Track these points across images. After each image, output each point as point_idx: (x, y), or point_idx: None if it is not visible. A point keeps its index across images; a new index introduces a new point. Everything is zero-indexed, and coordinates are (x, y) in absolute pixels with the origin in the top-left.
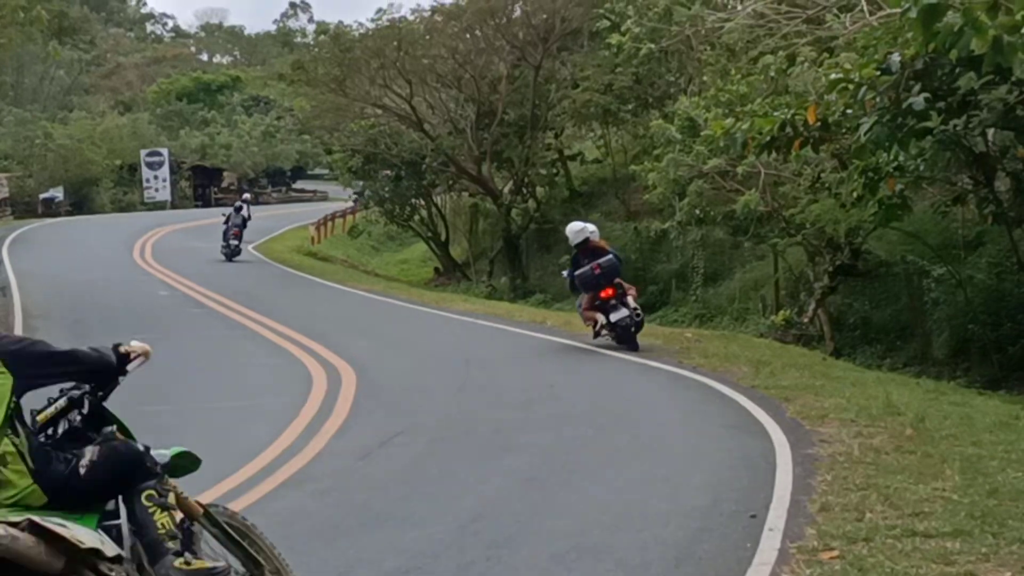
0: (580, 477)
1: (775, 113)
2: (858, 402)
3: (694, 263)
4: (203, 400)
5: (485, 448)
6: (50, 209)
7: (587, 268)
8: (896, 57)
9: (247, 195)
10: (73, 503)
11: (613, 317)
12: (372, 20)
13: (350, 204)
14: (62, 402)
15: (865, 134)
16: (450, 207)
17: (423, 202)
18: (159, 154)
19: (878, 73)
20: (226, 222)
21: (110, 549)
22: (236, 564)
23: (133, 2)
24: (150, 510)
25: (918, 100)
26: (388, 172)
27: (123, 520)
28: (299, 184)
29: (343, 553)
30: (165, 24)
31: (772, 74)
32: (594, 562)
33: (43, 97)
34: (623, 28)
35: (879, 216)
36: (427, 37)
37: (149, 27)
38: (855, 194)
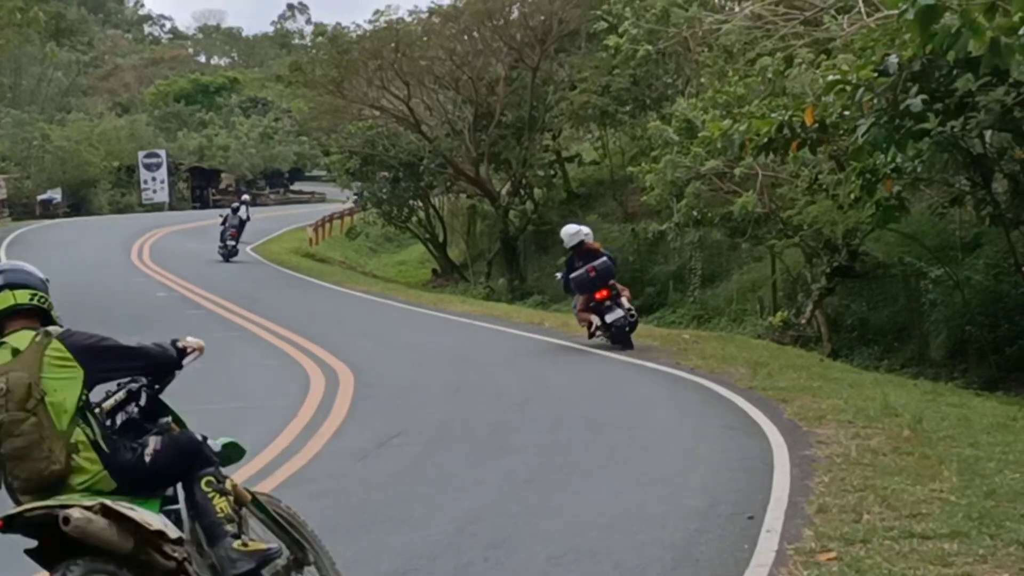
0: (577, 478)
1: (773, 115)
2: (856, 403)
3: (692, 264)
4: (200, 401)
5: (482, 449)
6: (48, 210)
7: (582, 271)
8: (894, 59)
9: (246, 196)
10: (138, 489)
11: (608, 318)
12: (370, 22)
13: (349, 205)
14: (121, 394)
15: (863, 135)
16: (448, 209)
17: (421, 203)
18: (157, 155)
19: (876, 75)
20: (223, 223)
21: (173, 531)
22: (282, 548)
23: (131, 4)
24: (209, 495)
25: (915, 102)
26: (386, 174)
27: (182, 505)
28: (297, 185)
29: (340, 554)
30: (163, 26)
31: (770, 76)
32: (591, 564)
33: (41, 98)
34: (620, 30)
35: (877, 217)
36: (425, 39)
37: (147, 29)
38: (853, 195)
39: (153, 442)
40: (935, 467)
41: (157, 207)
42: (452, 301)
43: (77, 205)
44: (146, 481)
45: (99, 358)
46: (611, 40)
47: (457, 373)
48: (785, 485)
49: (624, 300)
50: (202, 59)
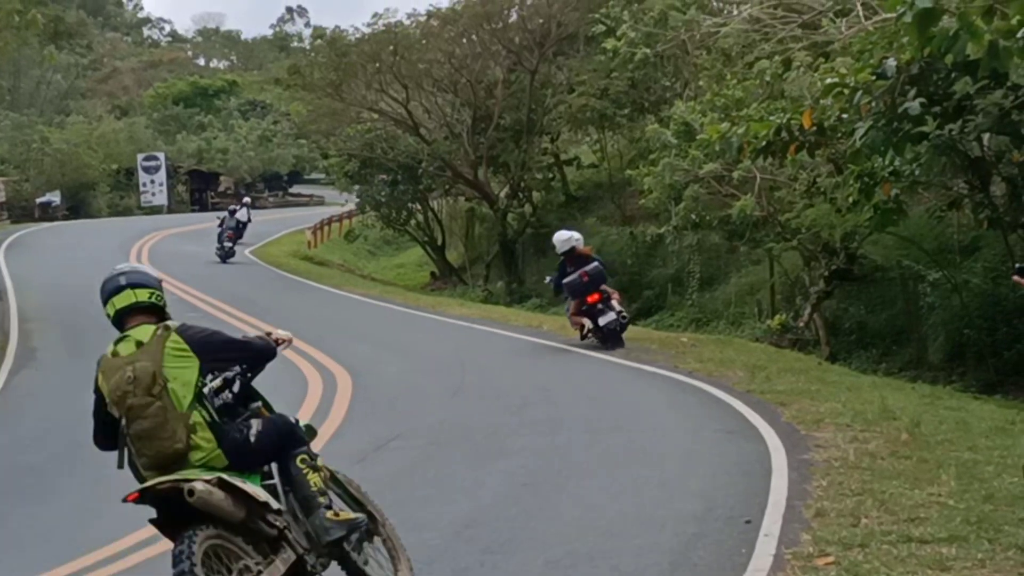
0: (575, 482)
1: (771, 118)
2: (854, 407)
3: (690, 268)
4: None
5: (480, 452)
6: (47, 213)
7: (575, 276)
8: (892, 62)
9: (247, 199)
10: (243, 465)
11: (601, 321)
12: (368, 25)
13: (348, 208)
14: (217, 382)
15: (861, 139)
16: (446, 211)
17: (419, 206)
18: (156, 158)
19: (874, 78)
20: (220, 224)
21: (274, 503)
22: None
23: (130, 7)
24: (304, 471)
25: (914, 105)
26: (384, 176)
27: (277, 480)
28: (295, 188)
29: None
30: (162, 28)
31: (768, 79)
32: (589, 568)
33: (40, 101)
34: (619, 33)
35: (875, 221)
36: (423, 42)
37: (146, 31)
38: (851, 199)
39: (256, 424)
40: (933, 471)
41: (156, 210)
42: (450, 304)
43: (76, 208)
44: (250, 458)
45: (212, 350)
46: (609, 43)
47: (455, 376)
48: (783, 489)
49: (615, 303)
50: (201, 62)
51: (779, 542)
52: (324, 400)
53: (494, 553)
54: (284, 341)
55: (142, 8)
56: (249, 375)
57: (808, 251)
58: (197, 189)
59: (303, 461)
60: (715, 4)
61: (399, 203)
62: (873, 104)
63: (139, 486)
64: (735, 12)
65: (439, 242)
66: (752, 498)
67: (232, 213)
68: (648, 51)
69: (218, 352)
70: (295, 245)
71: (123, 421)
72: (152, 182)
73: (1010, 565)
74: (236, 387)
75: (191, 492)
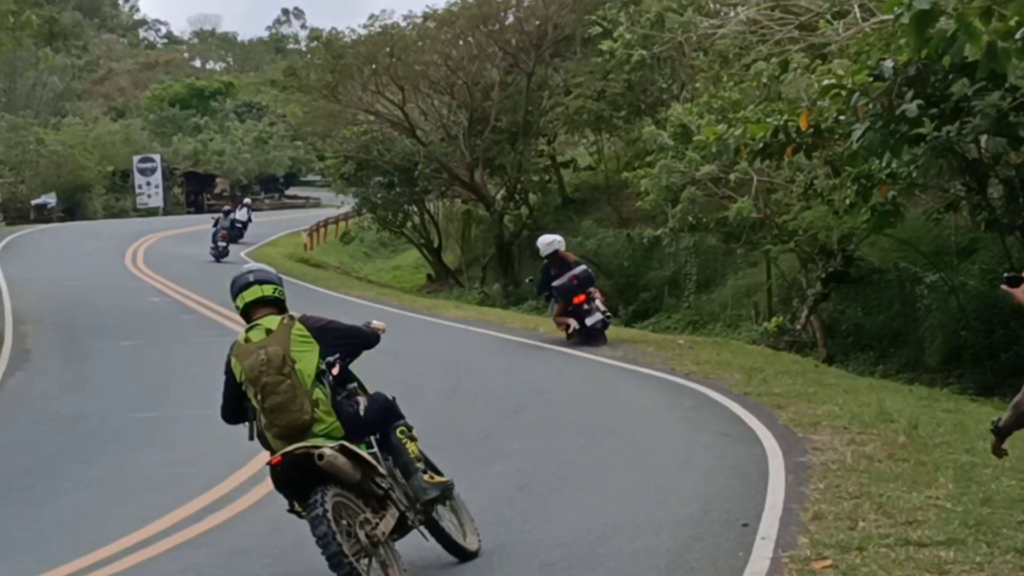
0: (571, 485)
1: (768, 119)
2: (851, 409)
3: (687, 270)
4: (193, 406)
5: (475, 455)
6: (42, 215)
7: (566, 279)
8: (889, 63)
9: (247, 200)
10: (354, 436)
11: (588, 321)
12: (364, 26)
13: (344, 210)
14: (322, 365)
15: (858, 140)
16: (443, 214)
17: (416, 208)
18: (152, 160)
19: (871, 79)
20: (215, 225)
21: (381, 467)
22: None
23: (126, 8)
24: (403, 440)
25: (911, 107)
26: (380, 178)
27: (376, 449)
28: (292, 191)
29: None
30: (158, 30)
31: (764, 80)
32: (585, 571)
33: (36, 103)
34: (615, 35)
35: (872, 223)
36: (420, 43)
37: (142, 33)
38: (848, 201)
39: (363, 400)
40: (931, 473)
41: (152, 212)
42: (446, 306)
43: (72, 210)
44: (360, 430)
45: (329, 336)
46: (605, 45)
47: (451, 378)
48: (780, 492)
49: (599, 303)
50: (197, 64)
51: (776, 545)
52: None
53: (489, 556)
54: (382, 331)
55: (138, 9)
56: (347, 360)
57: (805, 253)
58: (193, 191)
59: (402, 432)
60: (712, 6)
61: (395, 205)
62: (870, 106)
63: (274, 452)
64: (732, 14)
65: (435, 244)
66: (749, 501)
67: (227, 214)
68: (645, 53)
69: (334, 338)
70: (291, 247)
71: (258, 396)
72: (148, 184)
73: (1009, 568)
74: (336, 370)
75: (321, 456)
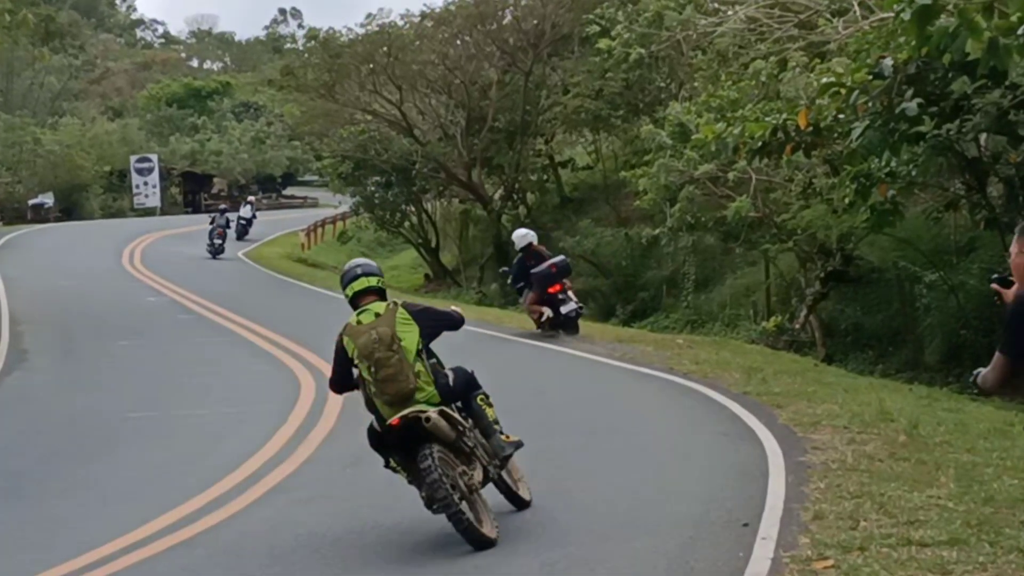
0: (571, 485)
1: (767, 118)
2: (851, 408)
3: (685, 269)
4: (190, 406)
5: None
6: (39, 215)
7: (545, 267)
8: (888, 61)
9: (252, 198)
10: (446, 402)
11: (563, 309)
12: (362, 25)
13: (342, 209)
14: (420, 344)
15: (857, 139)
16: (440, 213)
17: (413, 208)
18: (149, 160)
19: (870, 77)
20: (211, 222)
21: (470, 429)
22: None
23: (123, 8)
24: (483, 407)
25: (911, 105)
26: (378, 178)
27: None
28: (289, 190)
29: (329, 562)
30: (155, 30)
31: (763, 79)
32: (585, 571)
33: (33, 103)
34: (613, 33)
35: (871, 222)
36: (417, 43)
37: (139, 33)
38: (847, 200)
39: (450, 373)
40: (932, 473)
41: (149, 212)
42: (444, 306)
43: (69, 210)
44: (450, 398)
45: (426, 319)
46: (603, 43)
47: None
48: (780, 491)
49: (571, 293)
50: (195, 64)
51: (777, 545)
52: (317, 402)
53: (488, 556)
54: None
55: (135, 9)
56: (429, 339)
57: (804, 252)
58: (190, 191)
59: (482, 400)
60: (711, 5)
61: (393, 205)
62: (870, 104)
63: (384, 420)
64: (730, 12)
65: (433, 244)
66: (749, 501)
67: (222, 212)
68: (643, 51)
69: (430, 321)
70: (289, 247)
71: (371, 369)
72: (145, 184)
73: (1012, 569)
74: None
75: (428, 419)
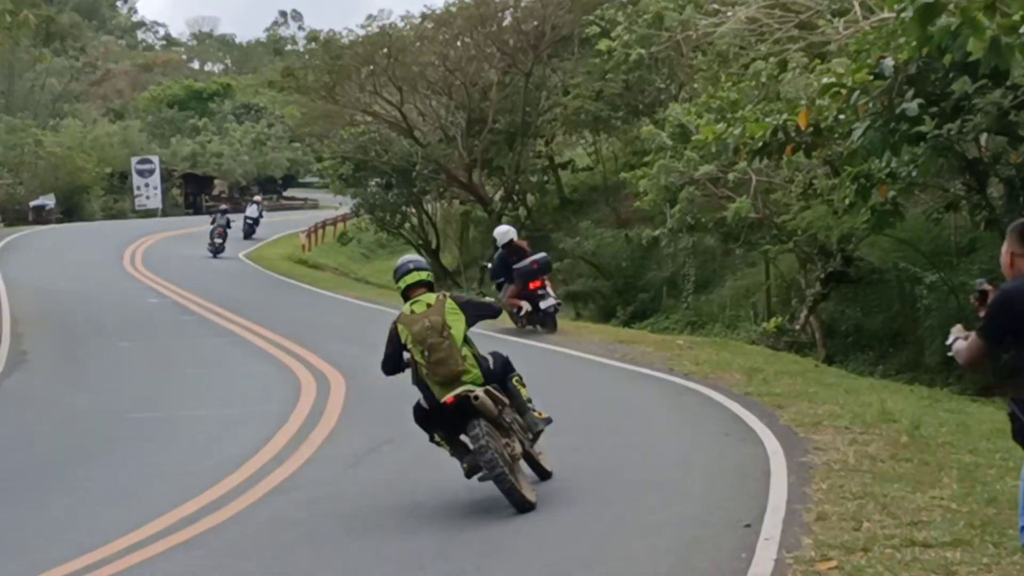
0: (571, 486)
1: (767, 119)
2: (852, 409)
3: (685, 270)
4: (191, 407)
5: None
6: (41, 216)
7: (527, 263)
8: (889, 62)
9: (257, 197)
10: (488, 382)
11: (543, 304)
12: (362, 26)
13: (343, 211)
14: (466, 332)
15: (858, 139)
16: (441, 215)
17: (413, 209)
18: (150, 162)
19: (871, 78)
20: (212, 222)
21: (507, 406)
22: None
23: (124, 11)
24: (518, 387)
25: (911, 106)
26: (379, 179)
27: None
28: (290, 192)
29: (329, 562)
30: (156, 32)
31: (763, 80)
32: (586, 572)
33: (34, 104)
34: (613, 35)
35: (872, 223)
36: (417, 44)
37: (140, 35)
38: (847, 201)
39: (490, 357)
40: (935, 474)
41: (150, 213)
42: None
43: (70, 211)
44: (490, 379)
45: (471, 308)
46: (603, 44)
47: None
48: (783, 492)
49: (550, 290)
50: (196, 66)
51: (780, 546)
52: (318, 403)
53: (488, 558)
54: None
55: (136, 12)
56: (470, 327)
57: (804, 253)
58: (191, 193)
59: (517, 381)
60: (711, 6)
61: (393, 206)
62: (870, 104)
63: (435, 398)
64: (730, 13)
65: (433, 245)
66: (751, 501)
67: (223, 213)
68: (643, 52)
69: (474, 310)
70: (289, 249)
71: (425, 353)
72: (146, 186)
73: (1016, 570)
74: None
75: (476, 397)
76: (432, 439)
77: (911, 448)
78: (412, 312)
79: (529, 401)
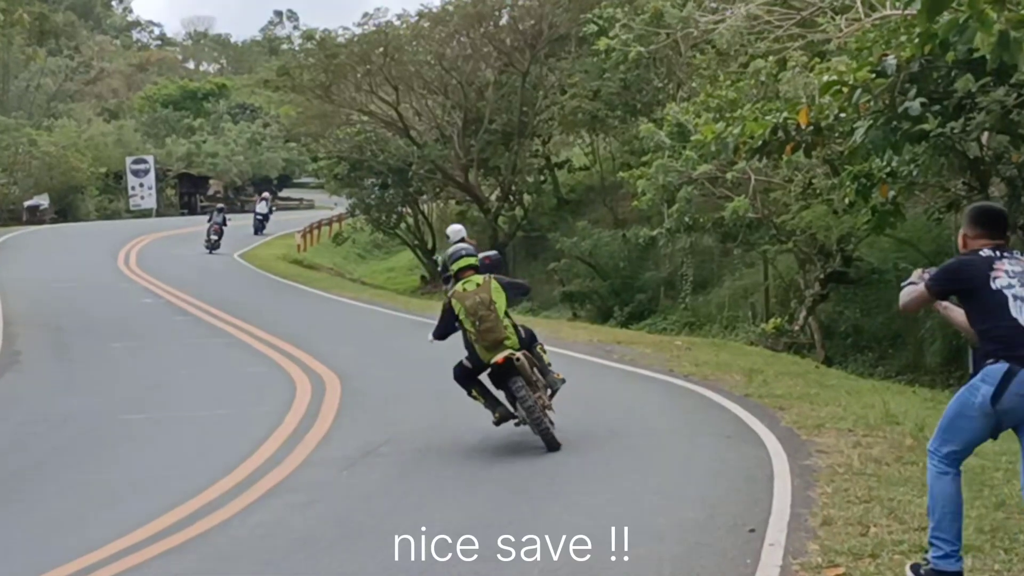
0: (570, 489)
1: (766, 117)
2: (854, 411)
3: (683, 270)
4: (184, 409)
5: (471, 458)
6: (35, 216)
7: (480, 258)
8: (891, 60)
9: (266, 193)
10: (522, 348)
11: None
12: (358, 25)
13: (339, 211)
14: (506, 307)
15: (860, 138)
16: (437, 215)
17: (409, 210)
18: (145, 162)
19: (873, 76)
20: (209, 220)
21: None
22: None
23: (119, 10)
24: (541, 353)
25: (914, 105)
26: (374, 179)
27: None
28: (285, 192)
29: (324, 567)
30: (151, 32)
31: (762, 79)
32: None
33: (28, 104)
34: (611, 34)
35: (872, 223)
36: (413, 43)
37: (135, 35)
38: (847, 200)
39: (521, 328)
40: None
41: (145, 213)
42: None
43: (64, 211)
44: (523, 344)
45: (510, 287)
46: (601, 42)
47: (445, 380)
48: (786, 496)
49: None
50: (191, 65)
51: (785, 552)
52: (312, 404)
53: (487, 563)
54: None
55: (131, 11)
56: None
57: (803, 253)
58: (186, 193)
59: (540, 348)
60: (709, 3)
61: (389, 206)
62: (872, 103)
63: (481, 360)
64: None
65: (429, 246)
66: (755, 505)
67: (219, 211)
68: (642, 49)
69: (513, 289)
70: (285, 248)
71: (476, 323)
72: (141, 186)
73: None
74: None
75: (518, 359)
76: (470, 394)
77: (916, 451)
78: (464, 290)
79: (549, 364)
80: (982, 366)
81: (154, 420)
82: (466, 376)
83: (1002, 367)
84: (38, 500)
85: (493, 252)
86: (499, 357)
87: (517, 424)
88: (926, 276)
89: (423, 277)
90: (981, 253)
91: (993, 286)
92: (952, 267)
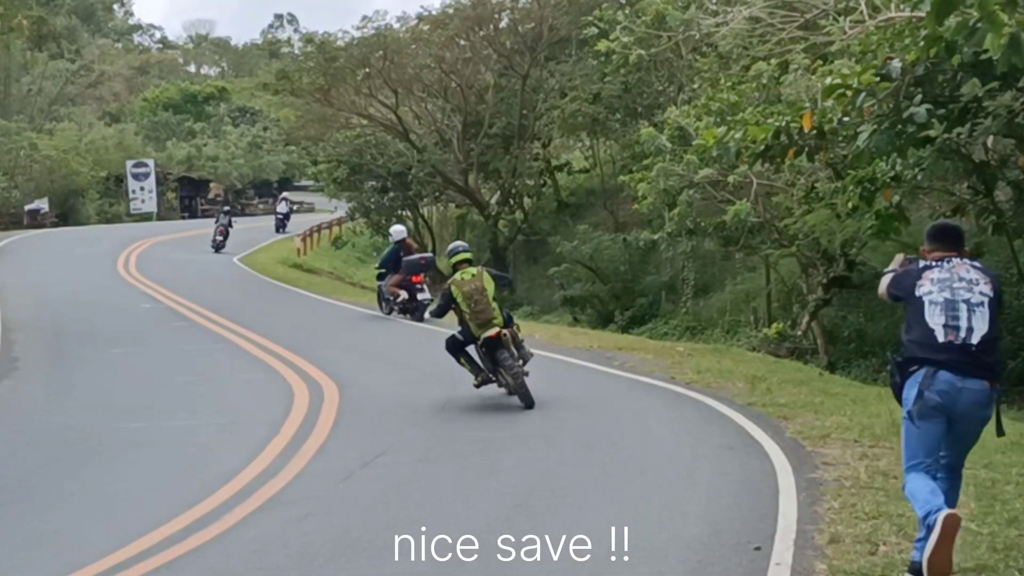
0: (570, 503)
1: (769, 121)
2: (860, 420)
3: (684, 275)
4: (181, 417)
5: (471, 470)
6: (35, 220)
7: (416, 257)
8: (896, 63)
9: (285, 194)
10: (505, 326)
11: (420, 296)
12: (358, 28)
13: (339, 214)
14: (495, 293)
15: (864, 142)
16: (436, 218)
17: (409, 213)
18: (145, 165)
19: (877, 79)
20: (216, 221)
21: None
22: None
23: (120, 14)
24: (517, 329)
25: (920, 111)
26: (374, 183)
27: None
28: (284, 195)
29: None
30: (152, 35)
31: (764, 82)
32: None
33: (29, 108)
34: (612, 36)
35: (876, 227)
36: (413, 46)
37: (136, 38)
38: (850, 204)
39: (504, 310)
40: None
41: (145, 217)
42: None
43: (65, 215)
44: (506, 323)
45: (498, 279)
46: (601, 45)
47: (445, 388)
48: (792, 511)
49: (427, 287)
50: (191, 68)
51: (792, 571)
52: (310, 413)
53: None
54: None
55: (132, 15)
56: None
57: (806, 258)
58: (187, 196)
59: (517, 326)
60: (711, 6)
61: (389, 210)
62: (876, 107)
63: (473, 335)
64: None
65: (429, 249)
66: (760, 521)
67: (226, 213)
68: (643, 52)
69: (499, 280)
70: (284, 252)
71: (471, 306)
72: (141, 189)
73: None
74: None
75: (505, 334)
76: (458, 361)
77: None
78: (462, 279)
79: (523, 340)
80: (907, 375)
81: (150, 428)
82: (457, 347)
83: (921, 372)
84: (31, 512)
85: (428, 254)
86: (491, 332)
87: (500, 387)
88: (900, 263)
89: None
90: (921, 263)
91: (916, 293)
92: (896, 277)
